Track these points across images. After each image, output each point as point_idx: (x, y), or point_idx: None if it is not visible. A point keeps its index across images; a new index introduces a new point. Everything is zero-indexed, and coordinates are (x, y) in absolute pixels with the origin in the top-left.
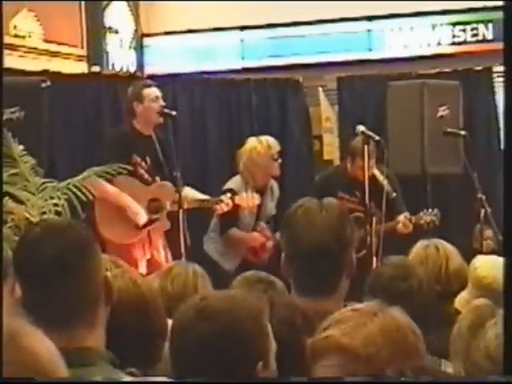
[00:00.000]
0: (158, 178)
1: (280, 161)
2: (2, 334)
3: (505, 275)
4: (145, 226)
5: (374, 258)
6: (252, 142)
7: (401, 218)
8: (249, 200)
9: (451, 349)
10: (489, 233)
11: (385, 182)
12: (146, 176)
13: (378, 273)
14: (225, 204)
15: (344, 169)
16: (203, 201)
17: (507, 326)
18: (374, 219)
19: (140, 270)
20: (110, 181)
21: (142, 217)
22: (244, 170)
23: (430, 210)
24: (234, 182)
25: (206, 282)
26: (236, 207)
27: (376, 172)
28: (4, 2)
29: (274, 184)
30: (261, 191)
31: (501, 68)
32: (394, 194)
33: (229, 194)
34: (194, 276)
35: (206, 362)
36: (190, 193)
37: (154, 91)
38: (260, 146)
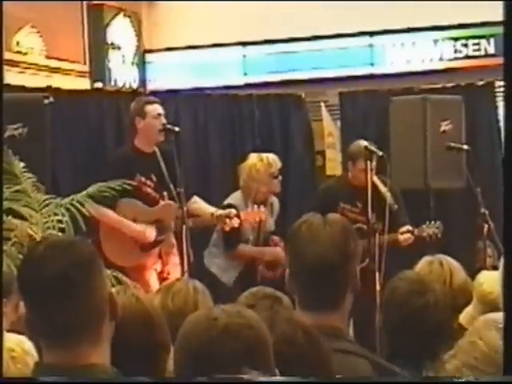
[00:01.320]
0: (165, 194)
1: (280, 178)
2: (3, 336)
3: (504, 277)
4: (151, 247)
5: (377, 273)
6: (253, 158)
7: (403, 229)
8: (256, 215)
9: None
10: (492, 248)
11: (388, 195)
12: (153, 194)
13: (393, 287)
14: (233, 221)
15: (345, 178)
16: (208, 220)
17: (507, 327)
18: (376, 231)
19: (152, 287)
20: (114, 203)
21: (149, 233)
22: (244, 186)
23: (433, 222)
24: (234, 198)
25: (207, 298)
26: (240, 222)
27: (377, 181)
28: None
29: (275, 200)
30: (262, 206)
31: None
32: (396, 206)
33: (234, 211)
34: (195, 292)
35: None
36: (197, 204)
37: (156, 108)
38: (260, 163)
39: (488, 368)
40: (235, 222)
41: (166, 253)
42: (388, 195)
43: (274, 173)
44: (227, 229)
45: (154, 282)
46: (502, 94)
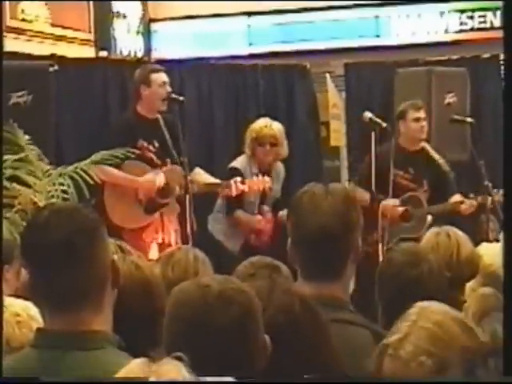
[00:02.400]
0: (168, 161)
1: (285, 143)
2: (2, 342)
3: (505, 272)
4: (155, 209)
5: (380, 244)
6: (258, 123)
7: (456, 198)
8: (260, 184)
9: None
10: (494, 222)
11: (442, 162)
12: (155, 159)
13: (388, 259)
14: (235, 188)
15: (395, 143)
16: (213, 185)
17: (507, 327)
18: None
19: (151, 253)
20: (118, 166)
21: (159, 178)
22: (248, 150)
23: (496, 190)
24: (239, 162)
25: (207, 267)
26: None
27: (428, 147)
28: None
29: (280, 166)
30: (266, 173)
31: None
32: (453, 174)
33: (239, 178)
34: (195, 261)
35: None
36: (200, 176)
37: (161, 76)
38: (265, 129)
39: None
40: (235, 190)
41: (168, 216)
42: (443, 162)
43: (259, 139)
44: (234, 193)
45: (154, 250)
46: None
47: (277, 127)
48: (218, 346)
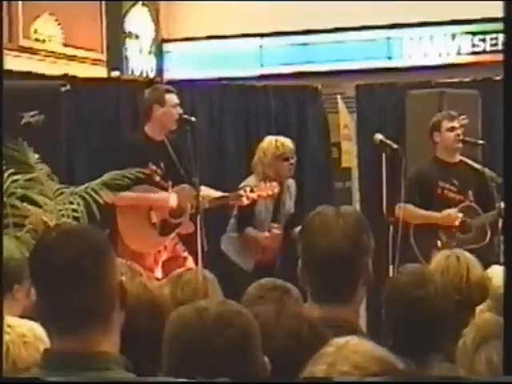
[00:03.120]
0: (170, 183)
1: (293, 162)
2: (2, 333)
3: (505, 275)
4: (169, 231)
5: (391, 266)
6: (264, 141)
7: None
8: (267, 188)
9: (458, 361)
10: None
11: (485, 170)
12: (162, 182)
13: (394, 280)
14: (245, 197)
15: (434, 157)
16: (222, 198)
17: (507, 327)
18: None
19: (156, 274)
20: (128, 189)
21: (172, 198)
22: (255, 169)
23: None
24: (248, 182)
25: (216, 288)
26: (253, 203)
27: (465, 159)
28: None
29: (292, 183)
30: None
31: None
32: (499, 180)
33: (248, 188)
34: (204, 282)
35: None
36: (208, 192)
37: (174, 97)
38: (268, 145)
39: None
40: (246, 199)
41: (183, 237)
42: (486, 170)
43: (282, 155)
44: (245, 202)
45: (155, 263)
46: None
47: (281, 143)
48: (216, 368)
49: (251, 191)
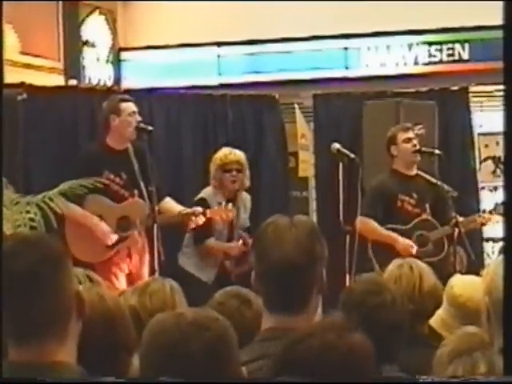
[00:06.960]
0: (136, 192)
1: (234, 173)
2: (2, 336)
3: (505, 274)
4: (114, 244)
5: (347, 275)
6: (221, 151)
7: (459, 218)
8: (222, 212)
9: (434, 372)
10: (461, 253)
11: (440, 183)
12: (122, 191)
13: (350, 289)
14: (198, 219)
15: (392, 169)
16: (175, 217)
17: (507, 327)
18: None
19: (120, 284)
20: (82, 199)
21: (110, 237)
22: (214, 181)
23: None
24: (206, 192)
25: (182, 297)
26: (210, 218)
27: (420, 172)
28: None
29: (246, 196)
30: (232, 202)
31: (476, 88)
32: (454, 194)
33: (200, 209)
34: (172, 292)
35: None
36: (168, 205)
37: (131, 106)
38: (216, 156)
39: None
40: (200, 220)
41: (135, 251)
42: (441, 184)
43: (224, 166)
44: (193, 226)
45: (122, 281)
46: (475, 99)
47: (240, 154)
48: (192, 372)
49: (203, 214)
